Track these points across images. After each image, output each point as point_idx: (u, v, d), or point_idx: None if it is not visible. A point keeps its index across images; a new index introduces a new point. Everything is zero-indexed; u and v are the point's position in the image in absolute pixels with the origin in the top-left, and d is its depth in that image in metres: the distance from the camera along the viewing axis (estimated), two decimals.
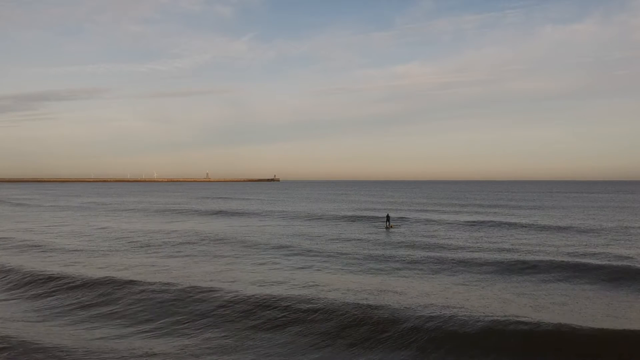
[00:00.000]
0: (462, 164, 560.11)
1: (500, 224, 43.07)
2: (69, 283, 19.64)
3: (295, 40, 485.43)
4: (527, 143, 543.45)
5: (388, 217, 43.33)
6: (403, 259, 25.52)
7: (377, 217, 49.65)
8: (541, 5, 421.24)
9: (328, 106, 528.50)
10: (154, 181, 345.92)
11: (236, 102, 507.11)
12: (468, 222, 45.29)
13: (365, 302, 16.03)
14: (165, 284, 19.07)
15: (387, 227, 41.64)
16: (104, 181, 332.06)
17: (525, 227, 41.25)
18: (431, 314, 14.57)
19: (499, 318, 14.11)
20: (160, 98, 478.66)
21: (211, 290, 17.96)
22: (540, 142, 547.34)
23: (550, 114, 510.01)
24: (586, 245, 30.49)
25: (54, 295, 18.48)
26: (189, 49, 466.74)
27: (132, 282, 19.30)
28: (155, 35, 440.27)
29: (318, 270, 22.85)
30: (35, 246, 30.84)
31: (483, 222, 44.97)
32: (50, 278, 20.50)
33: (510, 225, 42.55)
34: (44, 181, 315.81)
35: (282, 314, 15.10)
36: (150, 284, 19.06)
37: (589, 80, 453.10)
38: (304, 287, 18.84)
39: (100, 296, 17.97)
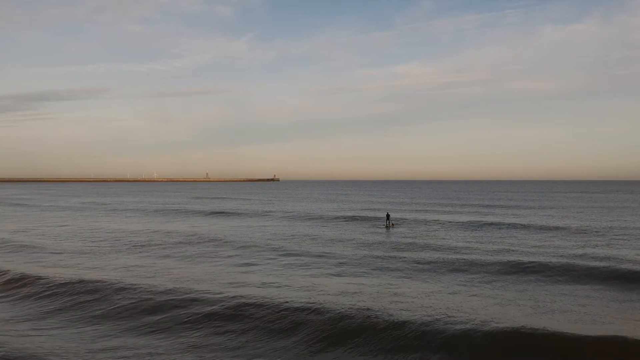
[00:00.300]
0: (462, 164, 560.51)
1: (500, 224, 43.14)
2: (68, 283, 19.60)
3: (295, 40, 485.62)
4: (527, 143, 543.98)
5: (388, 216, 43.45)
6: (402, 259, 25.58)
7: (377, 217, 49.70)
8: (541, 5, 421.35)
9: (328, 106, 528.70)
10: (154, 181, 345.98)
11: (236, 102, 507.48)
12: (468, 222, 45.35)
13: (363, 303, 16.11)
14: (165, 283, 19.15)
15: (387, 226, 41.77)
16: (104, 181, 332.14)
17: (525, 227, 41.31)
18: (428, 314, 14.64)
19: (497, 318, 14.19)
20: (160, 98, 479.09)
21: (210, 289, 18.03)
22: (540, 142, 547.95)
23: (550, 114, 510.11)
24: (586, 245, 30.55)
25: (52, 292, 18.49)
26: (189, 49, 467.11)
27: (131, 282, 19.34)
28: (155, 35, 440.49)
29: (317, 270, 22.91)
30: (34, 246, 30.89)
31: (483, 222, 45.04)
32: (47, 278, 20.45)
33: (510, 225, 42.62)
34: (44, 181, 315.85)
35: (281, 313, 15.15)
36: (150, 284, 19.11)
37: (589, 80, 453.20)
38: (302, 287, 18.92)
39: (100, 295, 17.99)
